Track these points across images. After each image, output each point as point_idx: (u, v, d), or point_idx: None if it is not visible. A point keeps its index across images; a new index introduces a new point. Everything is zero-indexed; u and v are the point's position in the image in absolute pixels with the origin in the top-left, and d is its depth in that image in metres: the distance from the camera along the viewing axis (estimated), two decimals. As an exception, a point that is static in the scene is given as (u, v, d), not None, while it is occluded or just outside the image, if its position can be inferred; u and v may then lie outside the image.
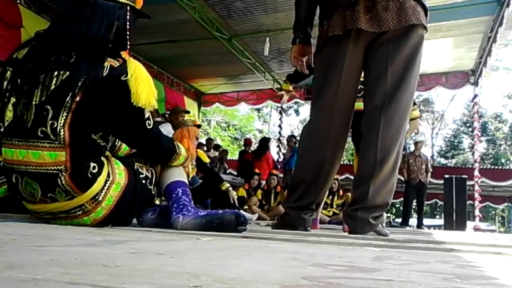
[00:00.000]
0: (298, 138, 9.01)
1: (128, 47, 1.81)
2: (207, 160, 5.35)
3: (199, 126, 4.81)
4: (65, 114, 1.55)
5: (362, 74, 2.35)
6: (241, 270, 0.67)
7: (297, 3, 2.45)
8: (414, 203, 8.75)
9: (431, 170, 8.54)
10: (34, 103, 1.55)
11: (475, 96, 10.19)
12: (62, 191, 1.58)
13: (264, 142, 8.50)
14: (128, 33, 1.79)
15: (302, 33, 2.47)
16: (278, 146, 11.37)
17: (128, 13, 1.78)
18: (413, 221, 9.61)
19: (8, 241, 0.92)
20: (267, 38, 7.81)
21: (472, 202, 10.37)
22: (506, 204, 18.70)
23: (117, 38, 1.76)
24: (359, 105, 2.44)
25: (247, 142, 10.07)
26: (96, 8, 1.70)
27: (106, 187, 1.65)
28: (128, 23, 1.78)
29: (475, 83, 9.83)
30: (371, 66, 2.25)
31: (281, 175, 8.48)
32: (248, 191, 7.45)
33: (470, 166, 14.63)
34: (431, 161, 9.49)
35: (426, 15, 2.23)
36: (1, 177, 1.80)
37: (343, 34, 2.19)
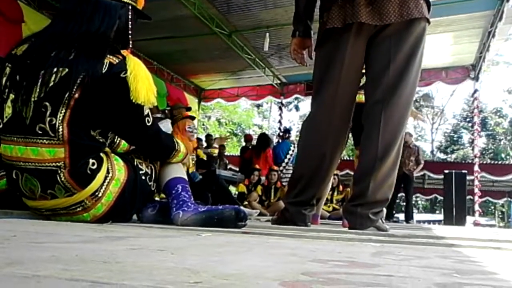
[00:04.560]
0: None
1: (130, 46, 1.81)
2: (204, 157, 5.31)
3: (191, 118, 4.78)
4: (64, 110, 1.55)
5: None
6: (241, 266, 0.67)
7: None
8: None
9: (422, 162, 8.18)
10: (33, 99, 1.55)
11: (475, 91, 10.19)
12: (61, 187, 1.58)
13: (264, 139, 8.47)
14: (130, 32, 1.79)
15: (302, 26, 2.45)
16: (278, 141, 11.35)
17: (129, 13, 1.78)
18: (418, 216, 9.59)
19: (9, 237, 0.92)
20: (267, 34, 7.81)
21: (471, 197, 10.40)
22: (505, 199, 18.71)
23: (118, 37, 1.76)
24: (360, 97, 2.43)
25: (248, 138, 10.05)
26: (98, 6, 1.69)
27: (105, 183, 1.65)
28: (129, 22, 1.78)
29: (475, 78, 9.83)
30: (373, 60, 2.24)
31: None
32: (248, 186, 7.45)
33: (470, 161, 14.64)
34: (430, 155, 9.35)
35: (428, 7, 2.22)
36: (1, 170, 1.80)
37: (344, 28, 2.18)
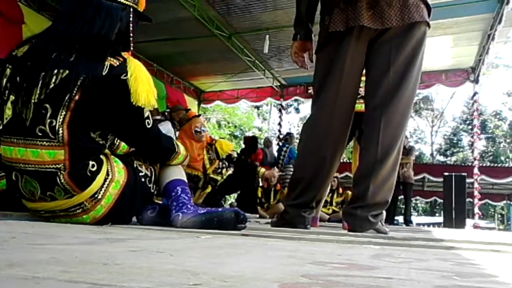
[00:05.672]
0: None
1: (132, 48, 1.81)
2: (229, 149, 4.92)
3: (198, 116, 4.66)
4: (64, 112, 1.55)
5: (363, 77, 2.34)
6: (241, 268, 0.67)
7: None
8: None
9: (414, 154, 8.12)
10: (33, 101, 1.55)
11: (475, 93, 10.19)
12: (61, 189, 1.58)
13: (253, 141, 8.49)
14: (131, 34, 1.79)
15: (303, 29, 2.45)
16: (278, 144, 11.36)
17: (130, 15, 1.78)
18: (418, 219, 9.59)
19: (8, 239, 0.92)
20: (267, 36, 7.81)
21: (471, 200, 10.39)
22: (505, 201, 18.73)
23: (119, 39, 1.76)
24: (360, 107, 2.43)
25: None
26: (99, 8, 1.69)
27: (105, 185, 1.65)
28: (131, 24, 1.78)
29: (475, 81, 9.84)
30: (374, 63, 2.24)
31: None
32: (248, 188, 7.43)
33: (470, 164, 14.65)
34: (430, 158, 9.30)
35: (429, 12, 2.22)
36: (1, 171, 1.80)
37: (345, 31, 2.18)
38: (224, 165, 4.63)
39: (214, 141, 4.65)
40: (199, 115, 4.68)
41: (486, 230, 11.48)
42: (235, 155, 4.79)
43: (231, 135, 24.81)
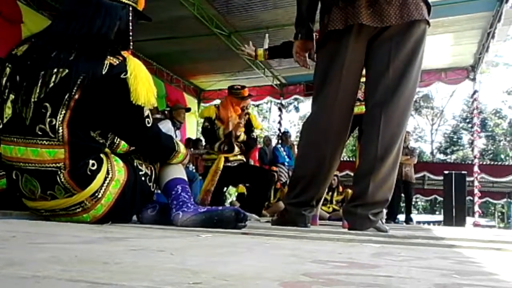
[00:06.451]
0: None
1: (131, 47, 1.81)
2: (257, 126, 5.05)
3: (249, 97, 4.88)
4: (64, 111, 1.55)
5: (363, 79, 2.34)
6: (241, 267, 0.67)
7: None
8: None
9: (415, 156, 8.11)
10: (33, 100, 1.55)
11: (475, 92, 10.19)
12: (61, 188, 1.58)
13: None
14: (130, 33, 1.79)
15: (304, 28, 2.45)
16: (278, 142, 11.38)
17: (130, 14, 1.78)
18: (418, 217, 9.61)
19: (8, 238, 0.92)
20: (266, 35, 7.80)
21: (471, 198, 10.40)
22: (505, 200, 18.72)
23: (118, 38, 1.76)
24: (361, 108, 2.43)
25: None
26: (99, 7, 1.69)
27: (105, 184, 1.65)
28: (130, 23, 1.78)
29: (475, 79, 9.84)
30: (373, 62, 2.24)
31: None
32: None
33: (470, 162, 14.64)
34: (430, 156, 9.26)
35: (429, 10, 2.22)
36: (1, 170, 1.80)
37: (345, 29, 2.17)
38: (242, 150, 4.70)
39: (249, 114, 4.88)
40: (250, 96, 4.92)
41: (486, 228, 11.49)
42: (255, 135, 4.89)
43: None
